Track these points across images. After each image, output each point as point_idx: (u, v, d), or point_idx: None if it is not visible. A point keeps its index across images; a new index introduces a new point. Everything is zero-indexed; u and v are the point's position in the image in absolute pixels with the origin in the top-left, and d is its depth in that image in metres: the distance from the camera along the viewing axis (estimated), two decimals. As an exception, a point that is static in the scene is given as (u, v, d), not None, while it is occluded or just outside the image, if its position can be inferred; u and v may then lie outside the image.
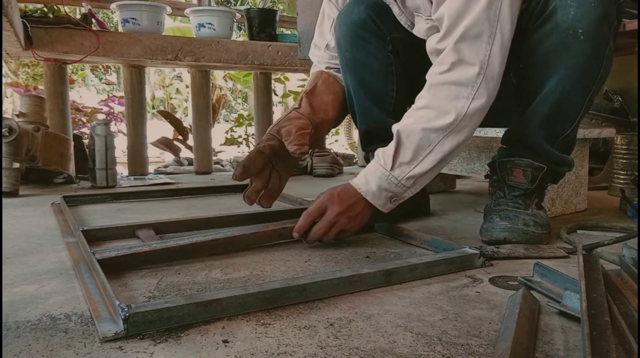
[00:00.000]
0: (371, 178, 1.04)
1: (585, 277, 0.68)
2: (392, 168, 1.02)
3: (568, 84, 1.05)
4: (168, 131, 3.83)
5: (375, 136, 1.36)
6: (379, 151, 1.06)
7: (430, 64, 1.28)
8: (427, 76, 1.05)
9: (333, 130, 4.70)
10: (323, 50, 1.36)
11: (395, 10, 1.26)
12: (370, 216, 1.09)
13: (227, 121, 6.78)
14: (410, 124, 1.03)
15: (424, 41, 1.27)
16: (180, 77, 7.04)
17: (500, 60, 0.99)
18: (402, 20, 1.26)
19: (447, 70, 1.00)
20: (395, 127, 1.04)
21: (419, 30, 1.21)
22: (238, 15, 2.60)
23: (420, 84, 1.44)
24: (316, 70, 1.37)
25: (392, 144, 1.03)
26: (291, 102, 4.20)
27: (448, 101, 1.00)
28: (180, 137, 3.44)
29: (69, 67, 2.50)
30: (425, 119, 1.01)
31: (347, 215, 1.05)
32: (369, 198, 1.05)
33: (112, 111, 3.97)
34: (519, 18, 1.11)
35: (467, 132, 1.02)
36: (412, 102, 1.50)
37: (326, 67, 1.35)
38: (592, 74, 1.05)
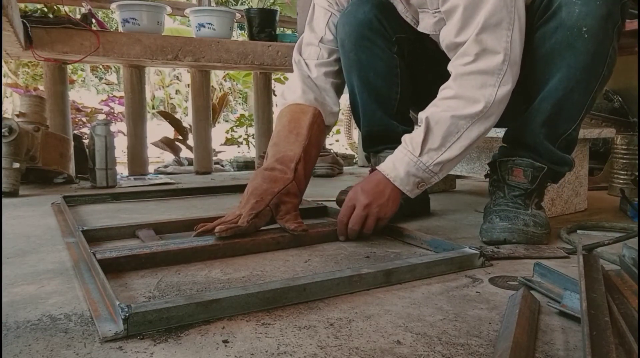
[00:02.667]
0: (399, 164, 1.06)
1: (585, 277, 0.68)
2: (421, 153, 1.04)
3: (571, 82, 1.05)
4: (168, 131, 3.83)
5: (378, 138, 1.35)
6: (406, 138, 1.07)
7: (435, 62, 1.26)
8: (451, 68, 1.05)
9: (333, 129, 4.71)
10: (317, 45, 1.29)
11: (400, 7, 1.24)
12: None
13: (226, 121, 6.78)
14: (439, 112, 1.03)
15: (430, 40, 1.26)
16: (178, 77, 7.04)
17: (520, 44, 1.01)
18: (408, 18, 1.25)
19: (472, 61, 1.01)
20: (423, 115, 1.05)
21: (425, 27, 1.19)
22: (238, 15, 2.60)
23: (425, 85, 1.43)
24: (306, 104, 1.22)
25: (421, 131, 1.04)
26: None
27: (476, 90, 1.01)
28: (180, 137, 3.44)
29: (69, 67, 2.50)
30: (454, 108, 1.02)
31: (376, 204, 1.07)
32: (397, 184, 1.06)
33: (112, 111, 3.97)
34: None
35: (494, 119, 1.03)
36: (416, 103, 1.49)
37: (324, 73, 1.27)
38: (595, 72, 1.05)
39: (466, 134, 1.02)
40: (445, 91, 1.06)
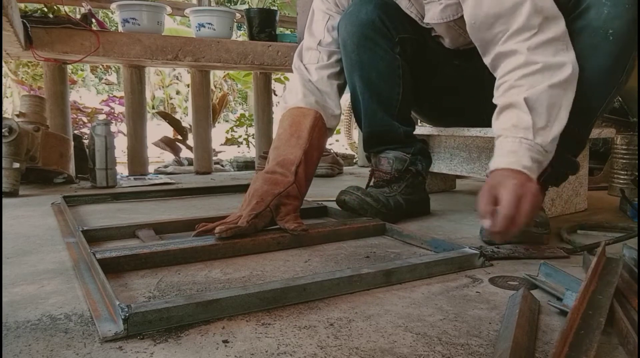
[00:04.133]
0: (522, 154, 0.92)
1: (598, 279, 0.68)
2: (534, 136, 0.93)
3: (590, 85, 1.02)
4: (168, 131, 3.83)
5: (379, 138, 1.35)
6: (509, 126, 0.95)
7: (437, 63, 1.25)
8: (513, 46, 0.98)
9: (333, 130, 4.70)
10: (316, 49, 1.29)
11: (405, 3, 1.24)
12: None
13: (226, 121, 6.78)
14: (535, 87, 0.95)
15: (431, 39, 1.26)
16: (178, 77, 7.04)
17: None
18: (413, 14, 1.24)
19: (537, 32, 0.96)
20: (519, 97, 0.94)
21: (432, 17, 1.18)
22: (238, 15, 2.60)
23: (427, 86, 1.42)
24: (307, 108, 1.23)
25: (525, 114, 0.94)
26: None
27: (557, 56, 0.96)
28: (179, 137, 3.44)
29: (69, 68, 2.50)
30: (548, 77, 0.95)
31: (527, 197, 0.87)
32: (530, 173, 0.91)
33: (112, 111, 3.97)
34: None
35: (576, 79, 0.98)
36: (418, 103, 1.48)
37: (324, 75, 1.28)
38: (615, 77, 1.03)
39: (565, 102, 0.96)
40: (523, 69, 0.96)
